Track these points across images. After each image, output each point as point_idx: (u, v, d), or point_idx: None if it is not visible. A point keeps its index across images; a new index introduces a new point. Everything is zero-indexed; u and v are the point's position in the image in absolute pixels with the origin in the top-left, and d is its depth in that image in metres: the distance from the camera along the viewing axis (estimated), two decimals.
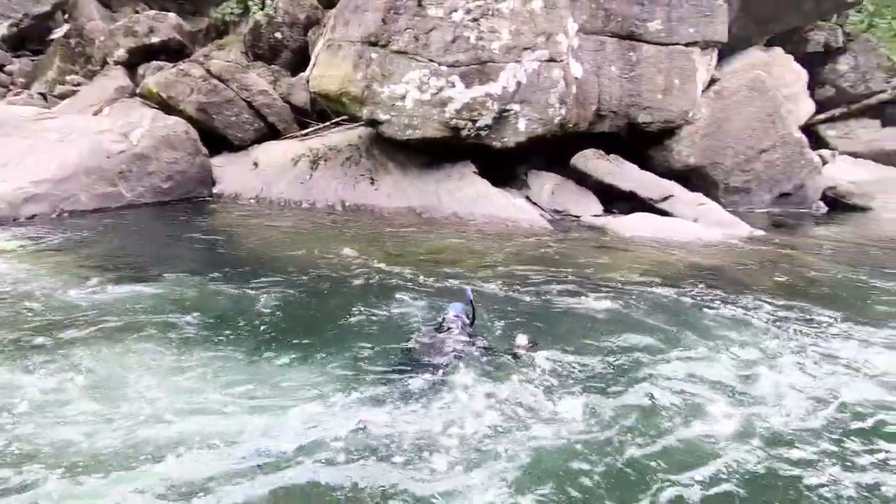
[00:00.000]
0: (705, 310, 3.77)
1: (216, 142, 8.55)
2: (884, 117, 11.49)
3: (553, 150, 8.33)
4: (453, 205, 7.22)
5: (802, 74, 10.76)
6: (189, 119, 8.05)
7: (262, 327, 3.32)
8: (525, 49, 7.03)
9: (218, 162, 8.39)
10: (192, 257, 4.97)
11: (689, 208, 7.07)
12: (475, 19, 6.99)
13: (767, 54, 10.66)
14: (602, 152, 8.16)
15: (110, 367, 2.75)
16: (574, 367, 2.82)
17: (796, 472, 2.10)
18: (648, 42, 7.93)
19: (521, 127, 7.27)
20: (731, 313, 3.70)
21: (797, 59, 10.94)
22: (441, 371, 2.66)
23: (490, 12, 7.04)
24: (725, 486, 1.99)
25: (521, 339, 2.93)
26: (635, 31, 7.79)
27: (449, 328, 2.92)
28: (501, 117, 7.22)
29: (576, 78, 7.54)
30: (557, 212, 7.50)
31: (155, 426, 2.26)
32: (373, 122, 7.46)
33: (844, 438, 2.30)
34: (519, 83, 7.13)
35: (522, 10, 7.07)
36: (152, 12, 10.79)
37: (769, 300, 3.98)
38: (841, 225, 8.36)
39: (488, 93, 7.08)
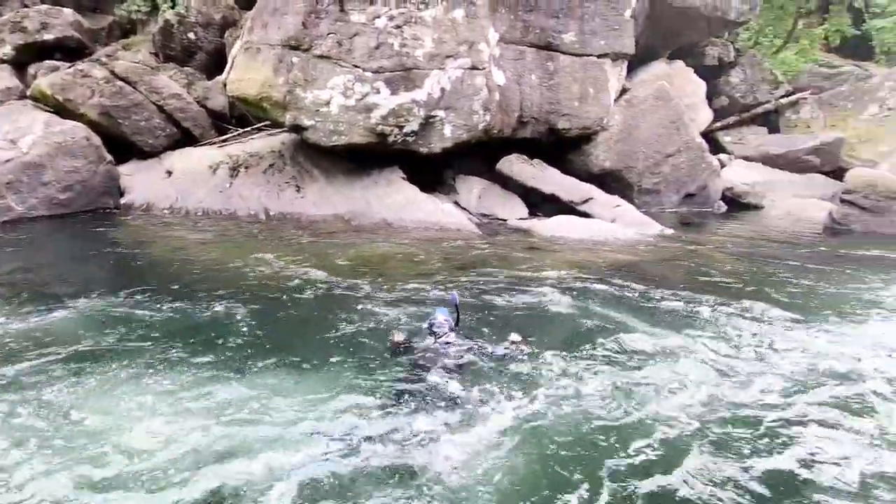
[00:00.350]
0: (630, 300, 4.03)
1: (124, 149, 7.95)
2: (769, 125, 12.85)
3: (480, 156, 8.54)
4: (382, 211, 7.19)
5: (701, 85, 11.78)
6: (90, 124, 7.42)
7: (208, 349, 3.04)
8: (448, 57, 7.16)
9: (126, 170, 7.81)
10: (102, 276, 4.56)
11: (606, 210, 7.51)
12: (398, 26, 7.03)
13: (670, 67, 11.58)
14: (526, 157, 8.47)
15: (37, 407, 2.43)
16: (550, 359, 2.96)
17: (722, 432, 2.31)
18: (565, 53, 8.35)
19: (447, 133, 7.39)
20: (651, 303, 3.99)
21: (696, 72, 11.98)
22: (454, 373, 2.76)
23: (413, 20, 7.11)
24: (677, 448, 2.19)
25: (515, 337, 3.07)
26: (552, 41, 8.18)
27: (438, 332, 3.01)
28: (428, 123, 7.30)
29: (498, 85, 7.79)
30: (485, 215, 7.69)
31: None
32: (297, 128, 7.28)
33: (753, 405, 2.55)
34: (443, 90, 7.24)
35: (444, 19, 7.20)
36: (44, 7, 9.84)
37: (681, 290, 4.33)
38: (738, 221, 9.22)
39: (414, 99, 7.13)
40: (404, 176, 7.66)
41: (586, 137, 9.03)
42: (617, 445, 2.26)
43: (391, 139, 7.22)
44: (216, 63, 9.38)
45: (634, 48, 8.95)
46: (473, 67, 7.41)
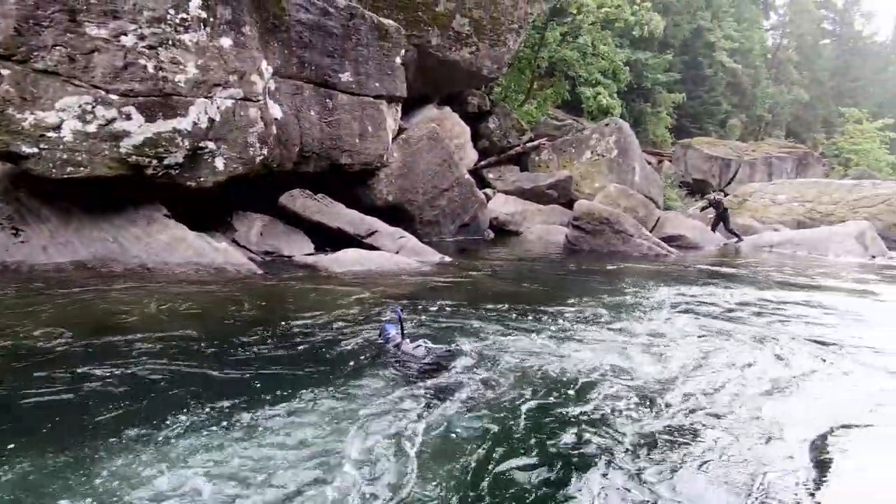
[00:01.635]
0: (418, 322, 4.20)
1: None
2: (521, 164, 15.36)
3: (262, 190, 8.12)
4: (141, 254, 6.18)
5: (466, 129, 13.46)
6: None
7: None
8: (216, 86, 6.68)
9: None
10: None
11: (391, 241, 7.87)
12: (152, 47, 6.28)
13: (440, 111, 12.97)
14: (310, 192, 8.37)
15: None
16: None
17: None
18: (343, 91, 8.61)
19: (220, 166, 6.83)
20: (437, 321, 4.23)
21: (462, 117, 13.66)
22: (433, 367, 3.13)
23: (171, 42, 6.44)
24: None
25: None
26: (329, 79, 8.35)
27: (396, 340, 3.38)
28: (196, 155, 6.63)
29: (275, 119, 7.58)
30: (268, 253, 7.28)
31: None
32: (11, 157, 5.81)
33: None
34: (212, 120, 6.70)
35: (210, 46, 6.72)
36: None
37: (462, 304, 4.74)
38: (503, 246, 10.69)
39: (176, 128, 6.41)
40: (168, 213, 6.77)
41: (369, 172, 9.41)
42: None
43: (150, 171, 6.32)
44: None
45: (407, 92, 9.74)
46: (246, 99, 7.06)
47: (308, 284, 5.70)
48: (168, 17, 6.36)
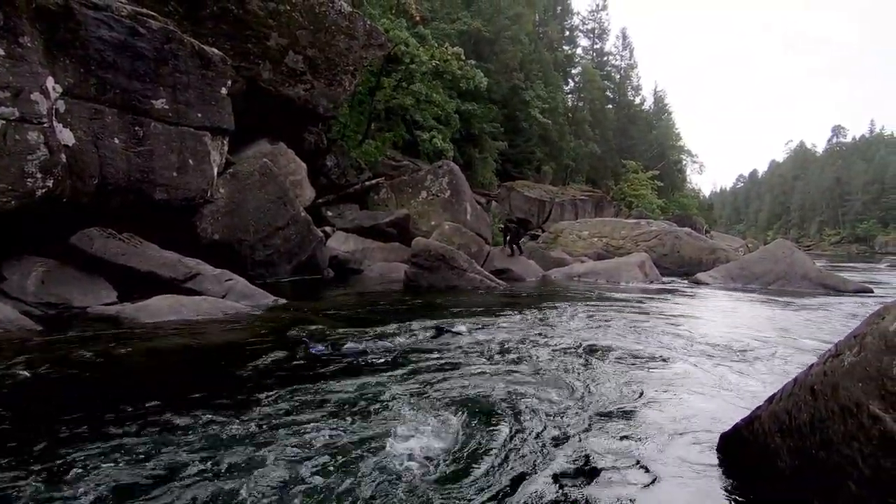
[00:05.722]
0: (230, 378, 3.77)
1: None
2: (360, 202, 15.45)
3: (48, 230, 6.75)
4: None
5: (303, 166, 13.13)
6: None
7: None
8: None
9: None
10: None
11: (216, 284, 7.14)
12: None
13: (274, 147, 12.46)
14: (113, 231, 7.21)
15: None
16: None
17: None
18: (157, 119, 7.72)
19: None
20: (248, 378, 3.85)
21: (298, 154, 13.30)
22: None
23: None
24: None
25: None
26: (139, 105, 7.43)
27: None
28: None
29: (66, 146, 6.44)
30: (53, 305, 6.00)
31: None
32: None
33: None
34: None
35: None
36: None
37: (274, 353, 4.42)
38: (344, 285, 10.48)
39: None
40: None
41: (191, 209, 8.51)
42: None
43: None
44: None
45: (236, 126, 9.14)
46: (24, 120, 5.88)
47: (104, 341, 4.78)
48: None
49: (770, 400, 2.41)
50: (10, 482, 2.24)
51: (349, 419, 3.00)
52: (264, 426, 2.86)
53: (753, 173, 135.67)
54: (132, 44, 7.28)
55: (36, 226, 6.61)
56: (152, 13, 7.90)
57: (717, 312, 8.31)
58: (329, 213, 14.07)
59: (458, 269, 10.27)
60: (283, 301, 7.43)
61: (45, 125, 6.10)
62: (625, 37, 60.87)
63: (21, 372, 3.75)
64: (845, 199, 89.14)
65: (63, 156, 6.33)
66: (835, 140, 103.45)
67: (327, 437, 2.73)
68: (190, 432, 2.76)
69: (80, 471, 2.34)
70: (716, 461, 2.62)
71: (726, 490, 2.35)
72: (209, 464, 2.42)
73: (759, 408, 2.47)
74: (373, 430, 2.83)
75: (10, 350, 4.28)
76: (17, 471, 2.33)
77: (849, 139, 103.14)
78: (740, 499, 2.28)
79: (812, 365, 2.20)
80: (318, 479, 2.30)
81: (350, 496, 2.18)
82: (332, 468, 2.40)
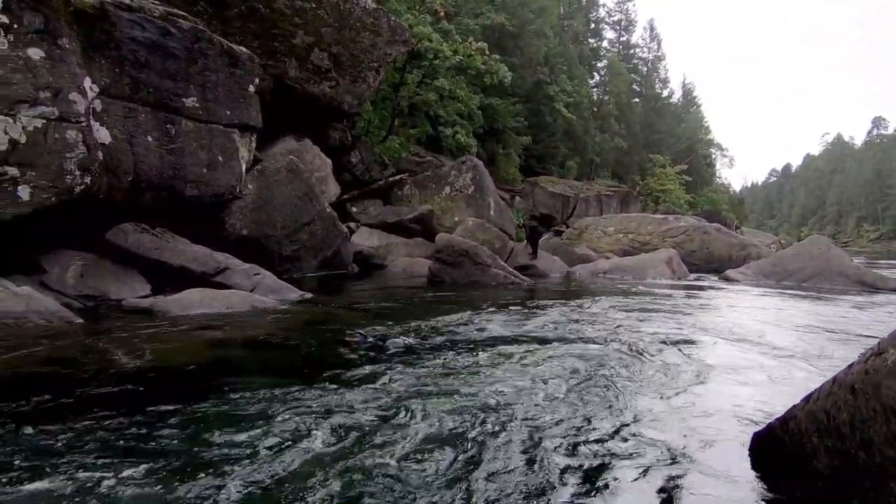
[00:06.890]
0: (270, 367, 3.86)
1: None
2: (384, 198, 15.54)
3: (84, 225, 7.00)
4: None
5: (328, 162, 13.28)
6: None
7: None
8: (19, 102, 5.68)
9: None
10: None
11: (245, 279, 7.30)
12: None
13: (300, 144, 12.63)
14: (146, 226, 7.44)
15: None
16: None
17: None
18: (188, 117, 7.92)
19: (24, 196, 5.75)
20: (290, 366, 3.94)
21: (324, 150, 13.46)
22: None
23: None
24: None
25: None
26: (171, 103, 7.63)
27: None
28: None
29: (102, 144, 6.66)
30: (91, 297, 6.24)
31: None
32: None
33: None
34: (15, 142, 5.65)
35: (12, 56, 5.72)
36: None
37: (313, 348, 4.50)
38: (369, 280, 10.59)
39: None
40: None
41: (220, 205, 8.71)
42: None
43: None
44: None
45: (263, 123, 9.30)
46: (62, 119, 6.11)
47: (141, 333, 4.95)
48: None
49: (806, 399, 2.33)
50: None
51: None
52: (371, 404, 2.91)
53: (786, 167, 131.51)
54: (164, 43, 7.48)
55: (72, 221, 6.86)
56: (182, 13, 8.10)
57: (750, 309, 8.09)
58: (353, 209, 14.21)
59: (482, 264, 10.25)
60: (309, 295, 7.55)
61: (83, 124, 6.32)
62: (652, 28, 59.68)
63: (82, 359, 3.91)
64: (885, 192, 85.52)
65: (100, 153, 6.55)
66: (875, 132, 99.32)
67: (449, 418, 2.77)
68: (282, 404, 2.83)
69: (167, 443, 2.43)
70: (748, 461, 2.55)
71: (760, 490, 2.29)
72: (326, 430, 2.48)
73: (794, 407, 2.39)
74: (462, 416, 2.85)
75: (48, 339, 4.47)
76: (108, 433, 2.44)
77: (890, 131, 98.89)
78: (775, 499, 2.22)
79: (852, 363, 2.12)
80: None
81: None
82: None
